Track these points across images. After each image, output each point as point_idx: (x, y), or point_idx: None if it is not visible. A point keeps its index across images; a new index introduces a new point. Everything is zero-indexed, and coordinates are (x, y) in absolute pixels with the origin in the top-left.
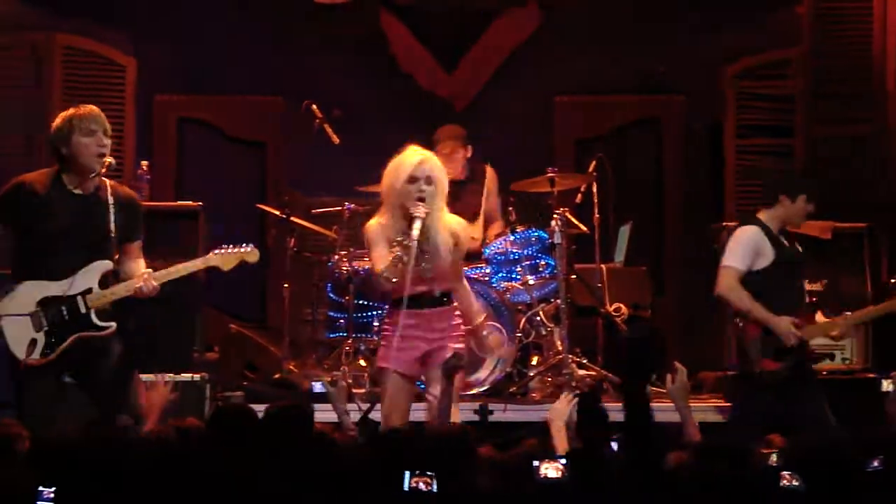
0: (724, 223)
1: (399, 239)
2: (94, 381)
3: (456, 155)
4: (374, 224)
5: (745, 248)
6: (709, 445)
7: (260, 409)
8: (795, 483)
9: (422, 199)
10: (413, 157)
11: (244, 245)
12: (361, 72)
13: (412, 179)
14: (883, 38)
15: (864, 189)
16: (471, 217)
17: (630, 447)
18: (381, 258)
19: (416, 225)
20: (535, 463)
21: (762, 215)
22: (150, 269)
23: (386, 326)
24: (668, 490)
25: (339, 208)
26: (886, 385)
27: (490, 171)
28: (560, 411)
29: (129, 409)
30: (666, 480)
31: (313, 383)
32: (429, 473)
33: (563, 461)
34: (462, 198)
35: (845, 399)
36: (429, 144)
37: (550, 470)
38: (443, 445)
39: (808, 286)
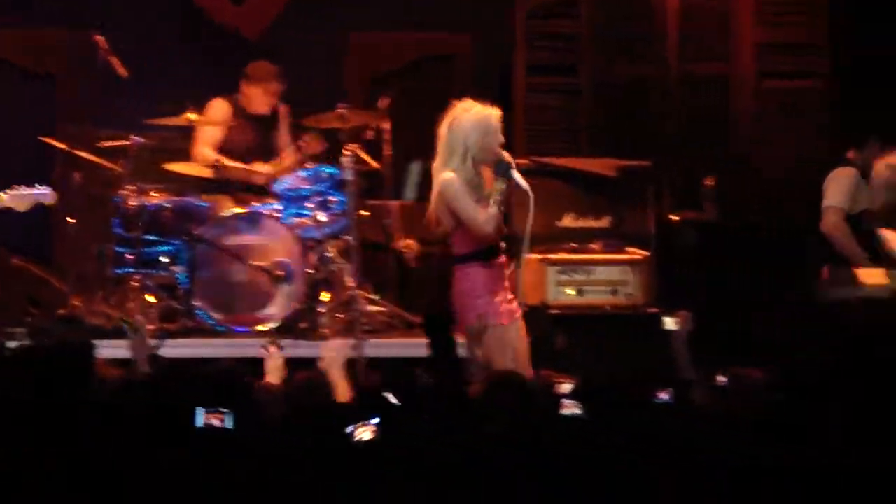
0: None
1: (501, 187)
2: None
3: (274, 91)
4: (456, 179)
5: (847, 188)
6: (497, 377)
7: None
8: (577, 411)
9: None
10: (489, 109)
11: (40, 187)
12: (151, 4)
13: (495, 131)
14: None
15: (648, 127)
16: (268, 153)
17: (435, 380)
18: (476, 208)
19: (516, 174)
20: (350, 428)
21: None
22: None
23: (476, 283)
24: (469, 419)
25: (127, 142)
26: (670, 323)
27: (283, 106)
28: (334, 359)
29: None
30: (469, 410)
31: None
32: (222, 410)
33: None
34: (266, 134)
35: (627, 334)
36: (222, 78)
37: (366, 433)
38: (223, 380)
39: (592, 223)
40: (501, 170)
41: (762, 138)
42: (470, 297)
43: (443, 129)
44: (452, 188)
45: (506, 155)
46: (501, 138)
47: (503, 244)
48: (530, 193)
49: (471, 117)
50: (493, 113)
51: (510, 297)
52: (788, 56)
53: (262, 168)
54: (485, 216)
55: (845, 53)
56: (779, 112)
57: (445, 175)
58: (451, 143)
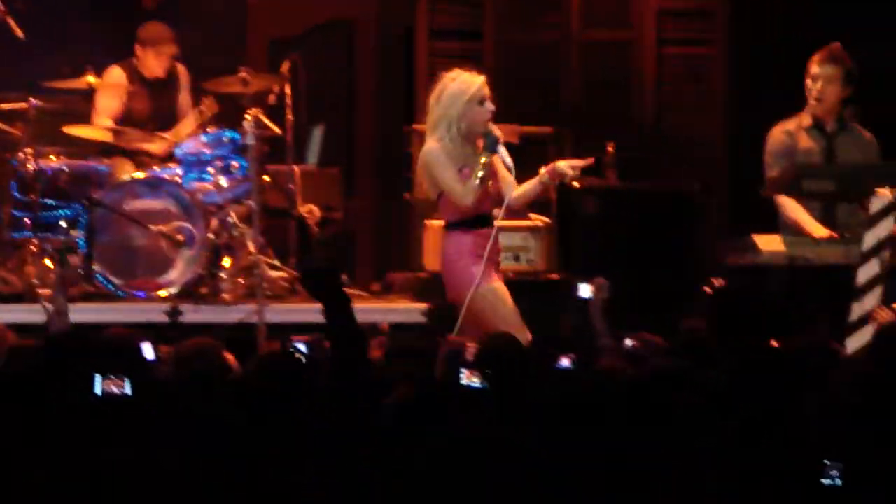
0: (416, 126)
1: (482, 161)
2: None
3: (169, 53)
4: (438, 148)
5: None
6: (397, 345)
7: None
8: (475, 380)
9: (489, 121)
10: (476, 78)
11: None
12: None
13: (482, 101)
14: None
15: (550, 94)
16: (169, 118)
17: (332, 348)
18: (457, 179)
19: (502, 150)
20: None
21: None
22: None
23: (461, 248)
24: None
25: (24, 104)
26: (586, 290)
27: (182, 69)
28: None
29: None
30: (370, 379)
31: None
32: (120, 376)
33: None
34: (165, 98)
35: (530, 300)
36: (122, 41)
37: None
38: (116, 347)
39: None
40: (488, 143)
41: (663, 104)
42: (454, 263)
43: (431, 99)
44: (432, 157)
45: (494, 128)
46: (490, 108)
47: (495, 212)
48: (512, 170)
49: (456, 87)
50: (479, 82)
51: (498, 260)
52: (689, 23)
53: (162, 137)
54: (464, 188)
55: (745, 20)
56: (680, 78)
57: (428, 144)
58: (437, 112)
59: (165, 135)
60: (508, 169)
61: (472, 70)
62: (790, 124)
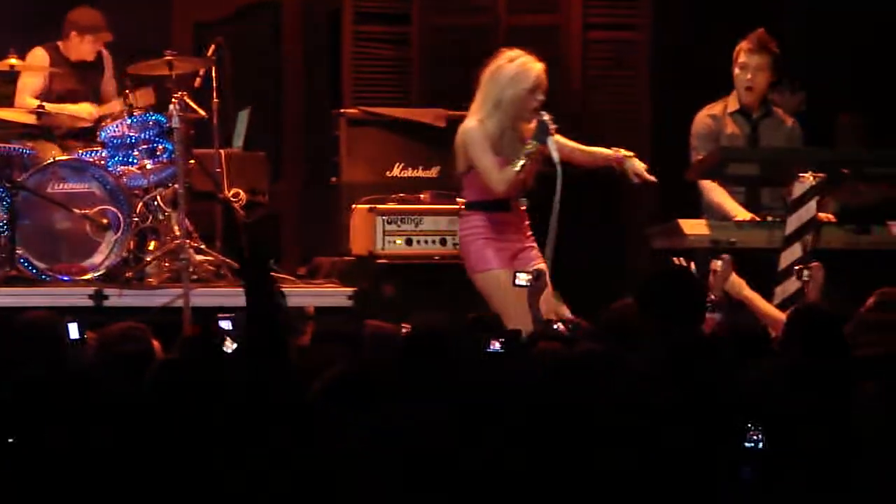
0: (343, 110)
1: (528, 150)
2: None
3: (104, 41)
4: (478, 128)
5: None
6: (323, 330)
7: None
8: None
9: (538, 109)
10: (535, 65)
11: None
12: None
13: (533, 89)
14: None
15: (477, 78)
16: (93, 100)
17: (253, 333)
18: (490, 164)
19: (551, 142)
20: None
21: None
22: None
23: (476, 229)
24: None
25: None
26: (522, 278)
27: (106, 53)
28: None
29: None
30: (288, 367)
31: None
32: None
33: None
34: (89, 80)
35: (454, 282)
36: (43, 22)
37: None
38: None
39: (421, 173)
40: (538, 132)
41: (589, 89)
42: (469, 244)
43: (484, 74)
44: (471, 137)
45: (547, 117)
46: (541, 97)
47: (523, 200)
48: (559, 168)
49: (511, 69)
50: (537, 70)
51: (520, 246)
52: (614, 8)
53: (86, 109)
54: (500, 175)
55: (669, 4)
56: (605, 63)
57: (469, 122)
58: (487, 91)
59: (89, 107)
60: (553, 164)
61: (531, 55)
62: (716, 108)
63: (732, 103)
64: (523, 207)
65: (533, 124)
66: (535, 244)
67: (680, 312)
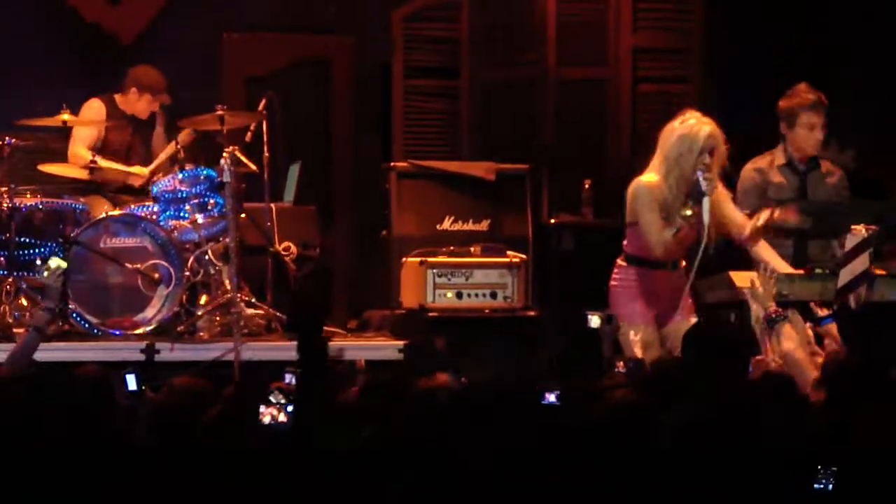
0: (393, 163)
1: (687, 214)
2: None
3: (161, 101)
4: (648, 186)
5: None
6: (375, 382)
7: None
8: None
9: (703, 169)
10: (707, 127)
11: None
12: (20, 1)
13: (702, 150)
14: None
15: (526, 131)
16: (145, 154)
17: (305, 384)
18: (655, 225)
19: (706, 203)
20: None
21: None
22: None
23: (628, 282)
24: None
25: (0, 143)
26: (595, 321)
27: (160, 111)
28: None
29: None
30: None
31: None
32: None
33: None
34: (142, 135)
35: (504, 336)
36: (96, 77)
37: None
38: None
39: (471, 226)
40: (694, 192)
41: (639, 141)
42: (618, 294)
43: (663, 132)
44: (641, 193)
45: (703, 181)
46: (707, 160)
47: (682, 262)
48: (705, 231)
49: (679, 131)
50: (705, 133)
51: (669, 306)
52: (664, 61)
53: (138, 169)
54: (658, 236)
55: (719, 58)
56: (655, 115)
57: (643, 179)
58: (664, 150)
59: (141, 168)
60: (702, 225)
61: (708, 119)
62: (762, 161)
63: (780, 157)
64: (684, 264)
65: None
66: (689, 304)
67: (725, 367)
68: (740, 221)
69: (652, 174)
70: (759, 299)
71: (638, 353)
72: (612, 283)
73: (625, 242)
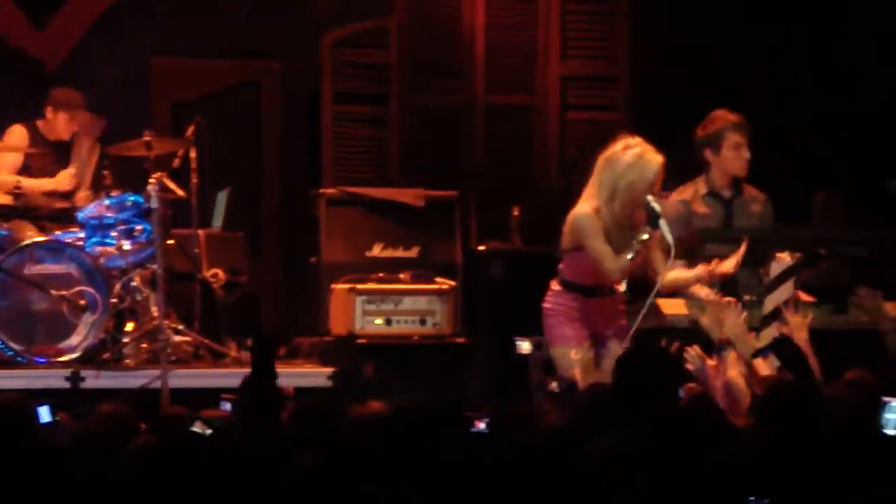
0: (322, 189)
1: (643, 238)
2: None
3: (81, 120)
4: (589, 215)
5: None
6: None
7: None
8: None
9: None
10: (658, 158)
11: None
12: None
13: (654, 179)
14: (472, 10)
15: (455, 158)
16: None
17: (247, 408)
18: (607, 251)
19: (663, 224)
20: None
21: None
22: None
23: (562, 307)
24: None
25: None
26: (525, 347)
27: (80, 134)
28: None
29: None
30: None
31: None
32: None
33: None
34: (66, 160)
35: (434, 362)
36: (20, 102)
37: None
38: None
39: (401, 253)
40: (650, 218)
41: (566, 168)
42: (549, 317)
43: (601, 159)
44: (584, 223)
45: (655, 204)
46: (655, 187)
47: (621, 288)
48: (672, 247)
49: (628, 158)
50: (655, 161)
51: (603, 331)
52: (592, 89)
53: (63, 173)
54: (615, 264)
55: (646, 86)
56: (583, 143)
57: (583, 207)
58: (603, 178)
59: (66, 170)
60: (668, 245)
61: (651, 147)
62: (686, 192)
63: (702, 187)
64: (622, 289)
65: (642, 210)
66: (623, 328)
67: (655, 392)
68: (660, 268)
69: (591, 203)
70: (711, 328)
71: (577, 373)
72: (546, 305)
73: (561, 266)
